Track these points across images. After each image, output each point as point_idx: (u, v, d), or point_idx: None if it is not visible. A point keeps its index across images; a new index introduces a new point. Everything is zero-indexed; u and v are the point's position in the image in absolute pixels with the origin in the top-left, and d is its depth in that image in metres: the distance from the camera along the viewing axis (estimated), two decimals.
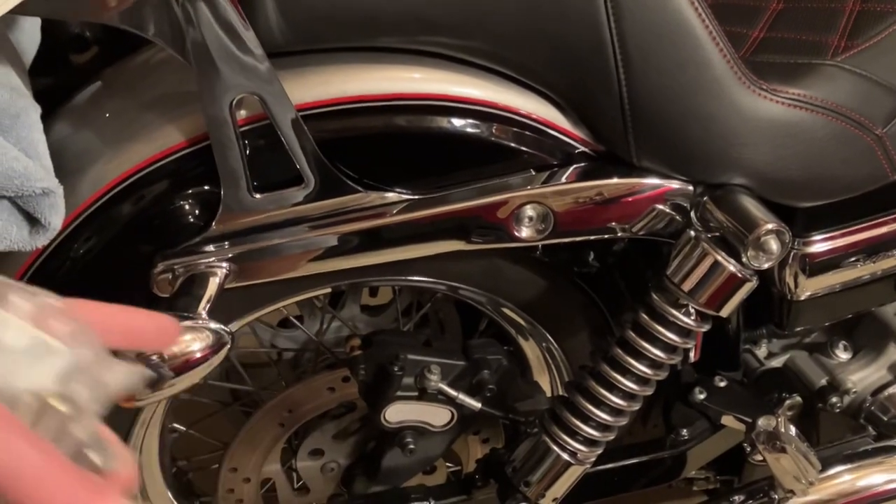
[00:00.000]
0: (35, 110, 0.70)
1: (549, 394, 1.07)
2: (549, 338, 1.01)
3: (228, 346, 0.68)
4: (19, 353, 0.35)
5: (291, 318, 1.03)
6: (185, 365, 0.66)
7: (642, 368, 0.84)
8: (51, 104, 0.85)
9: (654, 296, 0.83)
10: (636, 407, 0.87)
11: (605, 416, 0.86)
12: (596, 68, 0.76)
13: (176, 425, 1.05)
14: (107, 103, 0.80)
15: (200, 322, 0.69)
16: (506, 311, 0.99)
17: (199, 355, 0.67)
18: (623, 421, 0.88)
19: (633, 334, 0.84)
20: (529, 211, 0.80)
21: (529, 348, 1.06)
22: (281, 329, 1.15)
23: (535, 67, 0.77)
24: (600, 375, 0.86)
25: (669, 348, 0.84)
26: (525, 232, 0.81)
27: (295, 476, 1.04)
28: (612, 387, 0.85)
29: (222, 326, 0.69)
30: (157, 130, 0.73)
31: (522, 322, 1.00)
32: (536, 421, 0.91)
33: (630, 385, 0.85)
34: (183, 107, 0.74)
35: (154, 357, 0.65)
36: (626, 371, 0.85)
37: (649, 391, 0.86)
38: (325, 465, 1.02)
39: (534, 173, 0.81)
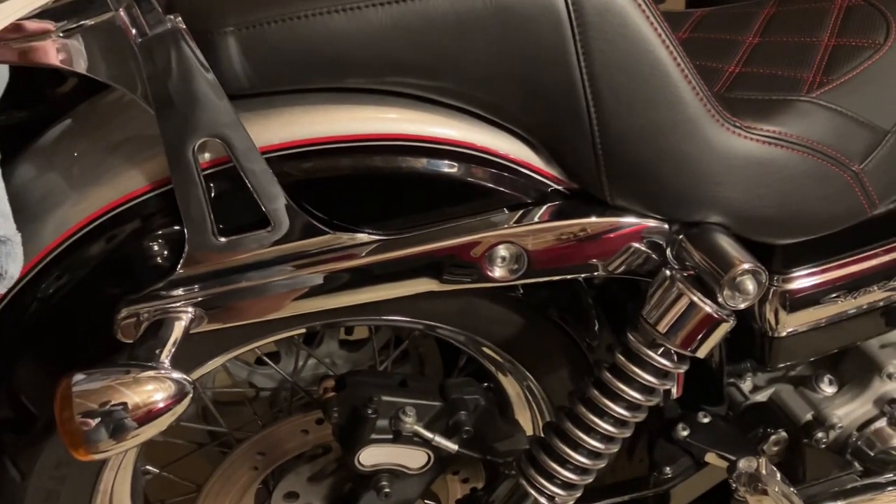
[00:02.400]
0: None
1: (530, 431, 1.05)
2: (529, 375, 0.99)
3: (191, 395, 0.67)
4: None
5: (264, 356, 1.01)
6: (148, 415, 0.65)
7: (620, 411, 0.82)
8: (26, 138, 0.84)
9: (631, 336, 0.82)
10: (615, 449, 0.85)
11: (582, 460, 0.84)
12: (567, 108, 0.75)
13: (149, 467, 1.03)
14: (74, 144, 0.79)
15: (163, 372, 0.67)
16: (484, 349, 0.98)
17: (161, 405, 0.65)
18: (602, 463, 0.86)
19: (609, 375, 0.83)
20: (502, 251, 0.79)
21: (510, 385, 1.04)
22: (257, 366, 1.13)
23: (507, 107, 0.76)
24: (577, 417, 0.84)
25: (647, 390, 0.83)
26: (498, 272, 0.79)
27: None
28: (590, 429, 0.83)
29: (184, 376, 0.67)
30: (122, 174, 0.72)
31: (501, 360, 0.98)
32: (514, 463, 0.89)
33: (607, 427, 0.83)
34: (149, 149, 0.72)
35: (118, 407, 0.64)
36: (603, 413, 0.83)
37: (628, 433, 0.84)
38: None
39: (507, 212, 0.80)
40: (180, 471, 1.07)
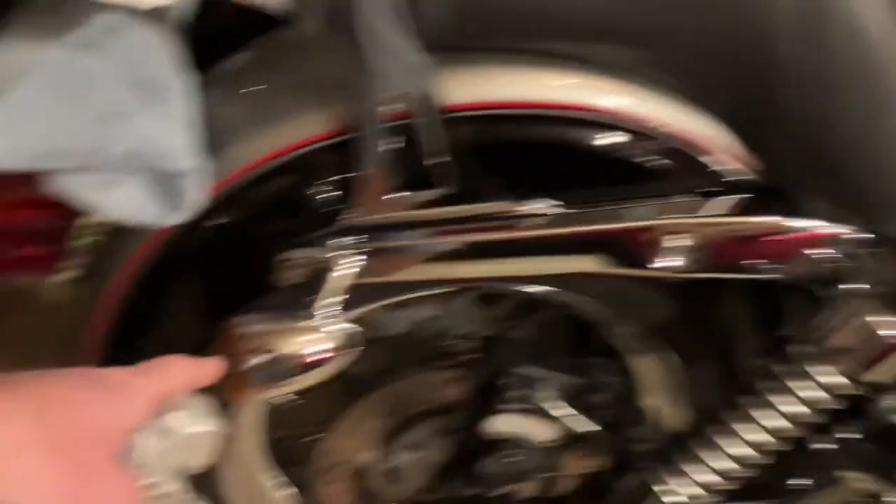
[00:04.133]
0: (189, 84, 0.68)
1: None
2: (668, 365, 0.96)
3: (359, 348, 0.66)
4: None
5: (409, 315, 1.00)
6: (305, 366, 0.65)
7: (771, 424, 0.78)
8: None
9: (795, 348, 0.77)
10: (759, 462, 0.81)
11: (723, 466, 0.81)
12: (772, 97, 0.69)
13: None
14: (253, 78, 0.78)
15: (320, 321, 0.66)
16: (623, 329, 0.94)
17: (318, 357, 0.65)
18: (743, 473, 0.82)
19: (764, 385, 0.78)
20: (676, 241, 0.75)
21: (643, 369, 1.01)
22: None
23: (706, 88, 0.71)
24: (723, 424, 0.80)
25: (804, 406, 0.78)
26: (668, 262, 0.75)
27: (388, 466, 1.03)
28: (734, 436, 0.80)
29: (345, 327, 0.67)
30: (300, 117, 0.71)
31: (640, 344, 0.95)
32: (646, 455, 0.86)
33: (755, 438, 0.79)
34: (331, 92, 0.71)
35: (278, 354, 0.64)
36: (752, 424, 0.79)
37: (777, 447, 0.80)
38: (419, 460, 1.00)
39: (685, 200, 0.75)
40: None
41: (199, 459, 0.54)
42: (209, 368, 0.57)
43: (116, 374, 0.49)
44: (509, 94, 0.70)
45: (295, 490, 1.10)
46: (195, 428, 0.52)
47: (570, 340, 1.11)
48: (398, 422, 0.98)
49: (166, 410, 0.51)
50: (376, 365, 0.99)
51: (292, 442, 1.13)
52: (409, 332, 1.10)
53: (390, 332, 1.11)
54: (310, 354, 0.65)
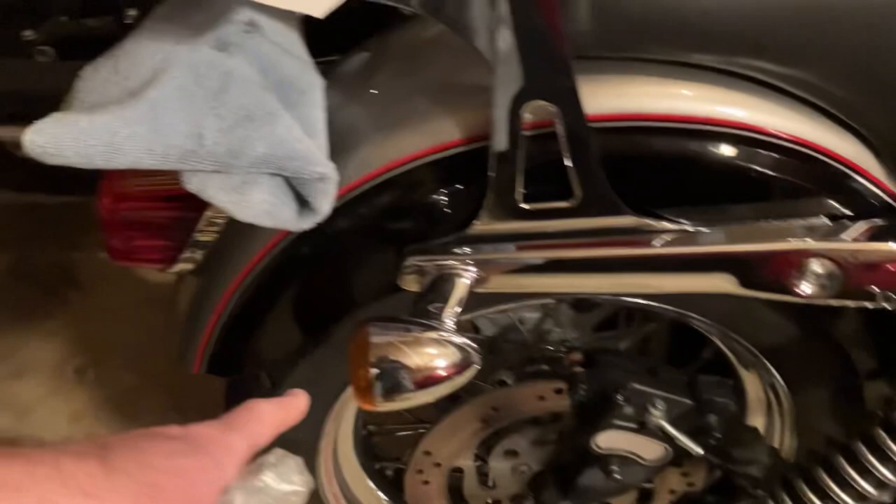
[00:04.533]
0: (320, 86, 0.67)
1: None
2: (783, 385, 0.92)
3: (477, 366, 0.64)
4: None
5: (516, 322, 0.99)
6: (427, 380, 0.63)
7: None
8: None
9: None
10: (888, 499, 0.77)
11: (849, 500, 0.77)
12: None
13: None
14: (375, 79, 0.76)
15: (445, 335, 0.65)
16: (737, 346, 0.91)
17: (442, 373, 0.63)
18: None
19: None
20: (817, 266, 0.71)
21: (752, 388, 0.97)
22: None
23: (862, 106, 0.67)
24: (853, 455, 0.76)
25: None
26: (806, 288, 0.71)
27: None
28: (865, 471, 0.76)
29: (470, 343, 0.65)
30: (430, 122, 0.69)
31: (755, 363, 0.91)
32: (762, 482, 0.83)
33: (889, 475, 0.75)
34: (459, 99, 0.69)
35: (398, 365, 0.62)
36: (886, 458, 0.75)
37: None
38: (516, 467, 0.99)
39: (827, 222, 0.71)
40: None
41: None
42: (295, 409, 0.54)
43: (210, 433, 0.48)
44: (652, 106, 0.67)
45: (386, 484, 1.10)
46: (287, 486, 0.52)
47: (676, 354, 1.08)
48: (499, 427, 0.97)
49: (260, 468, 0.51)
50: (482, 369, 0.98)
51: (387, 436, 1.13)
52: (510, 335, 1.08)
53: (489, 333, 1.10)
54: (437, 368, 0.63)
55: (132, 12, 0.85)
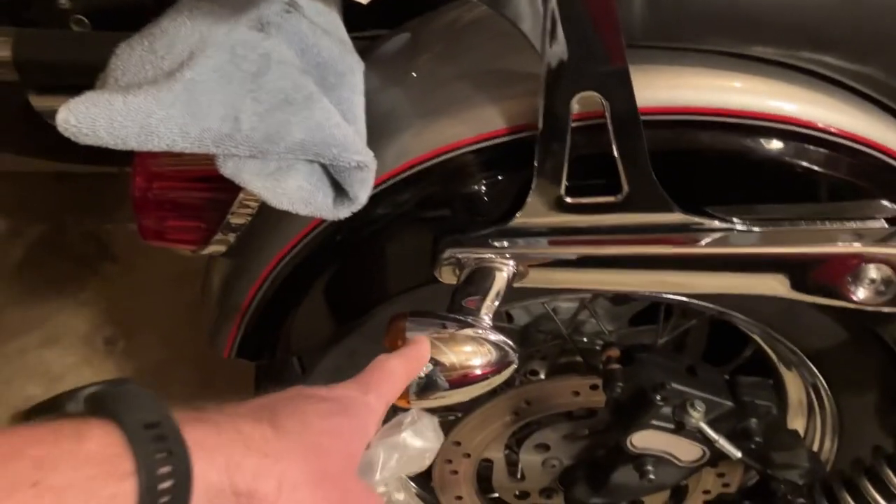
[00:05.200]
0: (360, 69, 0.65)
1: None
2: (828, 389, 0.89)
3: (514, 366, 0.62)
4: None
5: (551, 312, 0.96)
6: (463, 379, 0.61)
7: None
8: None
9: None
10: None
11: None
12: None
13: None
14: (415, 62, 0.74)
15: (481, 332, 0.62)
16: (780, 346, 0.88)
17: (478, 372, 0.61)
18: None
19: None
20: (873, 271, 0.67)
21: (794, 389, 0.94)
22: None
23: None
24: None
25: None
26: (862, 293, 0.68)
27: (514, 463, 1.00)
28: None
29: (507, 341, 0.62)
30: (473, 110, 0.66)
31: (796, 360, 0.88)
32: (804, 491, 0.80)
33: None
34: (503, 87, 0.66)
35: (433, 362, 0.60)
36: None
37: None
38: (547, 460, 0.97)
39: (885, 225, 0.68)
40: None
41: (417, 468, 0.58)
42: (420, 359, 0.58)
43: (352, 395, 0.52)
44: (709, 99, 0.63)
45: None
46: (423, 443, 0.56)
47: (715, 351, 1.05)
48: (531, 420, 0.95)
49: (398, 426, 0.56)
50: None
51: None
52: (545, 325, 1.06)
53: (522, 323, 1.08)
54: (474, 367, 0.61)
55: None
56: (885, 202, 0.68)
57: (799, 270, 0.68)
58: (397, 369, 0.55)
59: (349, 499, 0.48)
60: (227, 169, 0.61)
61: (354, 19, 0.75)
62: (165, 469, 0.39)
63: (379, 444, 0.54)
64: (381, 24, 0.87)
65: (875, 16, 0.60)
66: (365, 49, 0.81)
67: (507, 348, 0.62)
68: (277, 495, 0.44)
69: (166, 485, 0.39)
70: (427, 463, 0.57)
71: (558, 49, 0.58)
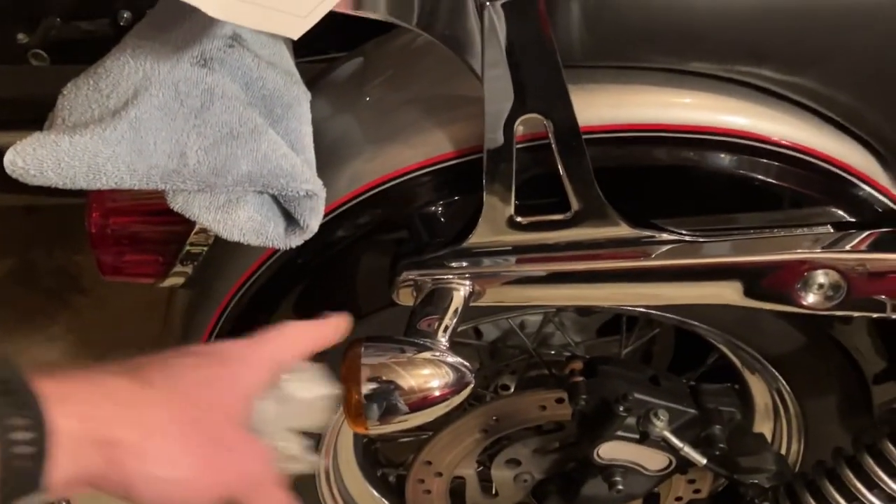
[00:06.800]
0: (306, 99, 0.66)
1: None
2: (790, 391, 0.90)
3: (471, 386, 0.63)
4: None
5: (516, 328, 0.97)
6: (422, 402, 0.61)
7: None
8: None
9: None
10: None
11: None
12: None
13: None
14: (365, 88, 0.75)
15: (439, 355, 0.63)
16: (742, 352, 0.89)
17: (437, 394, 0.62)
18: None
19: None
20: (821, 277, 0.69)
21: (759, 394, 0.95)
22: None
23: (867, 114, 0.65)
24: (860, 468, 0.74)
25: None
26: (811, 299, 0.69)
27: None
28: (873, 485, 0.74)
29: (464, 362, 0.63)
30: (423, 135, 0.67)
31: (762, 370, 0.89)
32: (769, 494, 0.81)
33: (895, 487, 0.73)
34: (452, 111, 0.67)
35: (391, 387, 0.61)
36: (893, 471, 0.73)
37: None
38: (518, 476, 0.97)
39: (833, 231, 0.69)
40: None
41: (315, 422, 0.57)
42: (329, 329, 0.57)
43: (235, 347, 0.52)
44: (652, 115, 0.65)
45: (389, 491, 1.09)
46: (312, 393, 0.55)
47: (681, 358, 1.06)
48: (501, 437, 0.95)
49: (284, 377, 0.54)
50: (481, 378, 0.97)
51: (389, 443, 1.11)
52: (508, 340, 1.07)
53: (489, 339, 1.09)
54: (432, 389, 0.61)
55: (126, 14, 0.84)
56: (831, 209, 0.70)
57: (750, 278, 0.69)
58: (296, 331, 0.54)
59: (225, 446, 0.48)
60: (177, 204, 0.61)
61: (311, 43, 0.76)
62: (18, 421, 0.39)
63: (267, 398, 0.53)
64: (338, 47, 0.88)
65: (810, 28, 0.62)
66: (320, 73, 0.82)
67: (464, 369, 0.63)
68: (143, 442, 0.44)
69: (21, 436, 0.39)
70: (325, 415, 0.56)
71: (498, 74, 0.59)
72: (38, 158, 0.57)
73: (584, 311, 1.12)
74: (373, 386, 0.61)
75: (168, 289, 0.87)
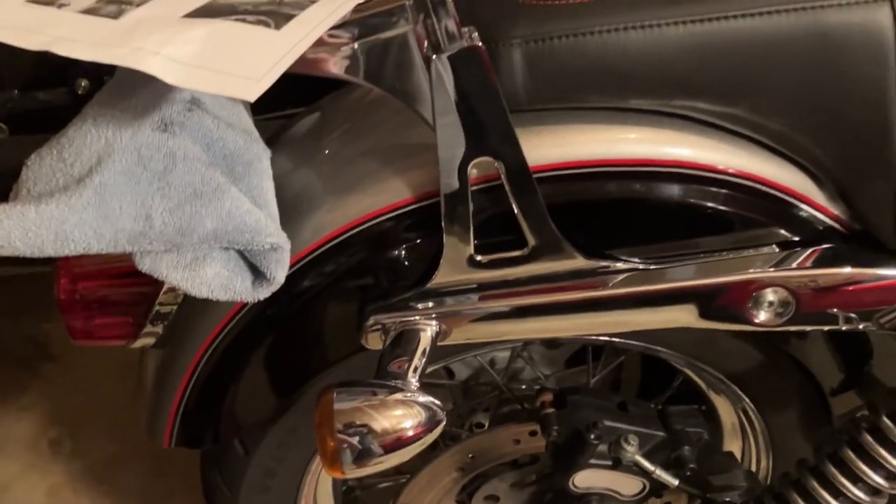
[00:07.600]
0: (266, 156, 0.68)
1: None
2: (754, 408, 0.93)
3: (443, 424, 0.64)
4: None
5: (485, 364, 0.99)
6: (396, 443, 0.63)
7: (877, 479, 0.75)
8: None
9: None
10: None
11: None
12: (872, 148, 0.67)
13: None
14: (324, 141, 0.77)
15: (410, 395, 0.65)
16: (707, 375, 0.92)
17: (410, 433, 0.63)
18: None
19: (869, 439, 0.75)
20: (770, 295, 0.72)
21: (725, 413, 0.98)
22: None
23: (798, 139, 0.68)
24: (824, 477, 0.77)
25: None
26: (763, 316, 0.73)
27: None
28: (838, 493, 0.76)
29: (434, 401, 0.65)
30: (382, 183, 0.70)
31: (725, 389, 0.92)
32: None
33: (859, 495, 0.76)
34: (408, 158, 0.70)
35: (365, 430, 0.62)
36: (856, 478, 0.76)
37: (882, 502, 0.77)
38: None
39: (777, 250, 0.73)
40: None
41: None
42: None
43: None
44: (598, 151, 0.68)
45: None
46: None
47: (650, 383, 1.09)
48: (478, 473, 0.97)
49: None
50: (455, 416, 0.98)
51: (368, 490, 1.12)
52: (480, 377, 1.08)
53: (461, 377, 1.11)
54: (405, 429, 0.63)
55: (84, 83, 0.86)
56: (775, 229, 0.73)
57: (704, 300, 0.72)
58: None
59: None
60: (145, 265, 0.63)
61: (268, 101, 0.79)
62: None
63: None
64: (295, 103, 0.90)
65: (737, 64, 0.65)
66: (279, 129, 0.85)
67: (435, 408, 0.65)
68: None
69: None
70: None
71: (449, 122, 0.62)
72: (6, 229, 0.58)
73: (551, 344, 1.15)
74: (347, 430, 0.62)
75: (139, 349, 0.88)
